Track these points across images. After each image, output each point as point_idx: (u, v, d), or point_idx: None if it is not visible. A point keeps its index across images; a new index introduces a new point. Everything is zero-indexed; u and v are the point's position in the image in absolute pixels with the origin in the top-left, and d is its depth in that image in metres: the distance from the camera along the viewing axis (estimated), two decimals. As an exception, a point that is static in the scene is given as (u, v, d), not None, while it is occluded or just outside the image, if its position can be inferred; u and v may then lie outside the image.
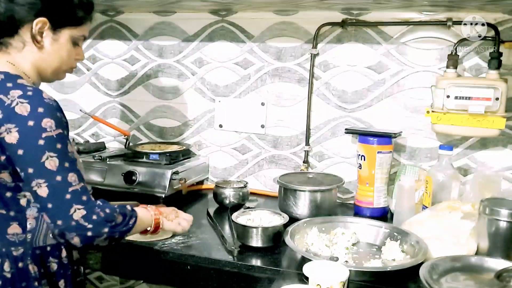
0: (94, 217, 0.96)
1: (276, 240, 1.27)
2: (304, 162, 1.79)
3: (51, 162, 0.94)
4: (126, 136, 1.94)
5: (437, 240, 1.20)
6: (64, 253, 1.09)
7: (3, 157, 0.95)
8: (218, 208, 1.63)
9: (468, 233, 1.19)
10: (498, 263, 1.07)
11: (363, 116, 1.71)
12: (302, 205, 1.49)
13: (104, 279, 2.01)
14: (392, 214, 1.51)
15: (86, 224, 0.95)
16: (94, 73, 2.10)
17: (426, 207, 1.41)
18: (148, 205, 1.20)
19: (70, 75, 2.12)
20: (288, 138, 1.83)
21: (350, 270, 0.99)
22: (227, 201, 1.61)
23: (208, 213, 1.56)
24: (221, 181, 1.69)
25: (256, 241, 1.26)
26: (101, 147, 1.96)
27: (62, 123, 0.99)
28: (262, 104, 1.84)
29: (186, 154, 1.86)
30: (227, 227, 1.43)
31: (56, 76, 1.13)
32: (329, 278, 0.94)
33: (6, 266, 1.00)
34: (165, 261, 1.27)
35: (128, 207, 1.07)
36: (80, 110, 2.02)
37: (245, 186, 1.65)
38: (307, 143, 1.79)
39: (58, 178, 0.94)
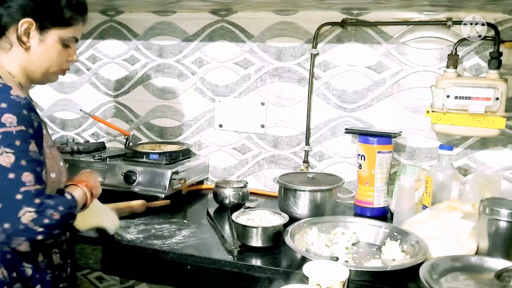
0: (46, 220, 0.92)
1: (276, 240, 1.27)
2: (304, 162, 1.79)
3: (5, 158, 0.91)
4: (126, 136, 1.94)
5: (437, 240, 1.20)
6: (40, 258, 1.05)
7: None
8: (218, 208, 1.63)
9: (468, 233, 1.19)
10: (498, 263, 1.07)
11: (363, 116, 1.71)
12: (302, 205, 1.49)
13: (104, 279, 2.01)
14: (392, 214, 1.50)
15: (36, 228, 0.91)
16: (94, 73, 2.10)
17: (426, 207, 1.41)
18: (79, 180, 1.14)
19: (70, 75, 2.13)
20: (288, 138, 1.83)
21: (350, 270, 0.99)
22: (227, 201, 1.61)
23: (208, 213, 1.56)
24: (221, 181, 1.69)
25: (256, 241, 1.26)
26: (101, 147, 1.96)
27: (28, 121, 0.96)
28: (262, 104, 1.84)
29: (186, 154, 1.86)
30: (227, 227, 1.43)
31: (46, 78, 1.12)
32: (329, 278, 0.94)
33: None
34: (165, 261, 1.27)
35: (68, 196, 1.04)
36: (80, 110, 2.02)
37: (245, 186, 1.65)
38: (307, 143, 1.79)
39: (11, 175, 0.91)
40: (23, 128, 0.94)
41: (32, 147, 0.95)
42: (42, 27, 1.04)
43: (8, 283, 0.99)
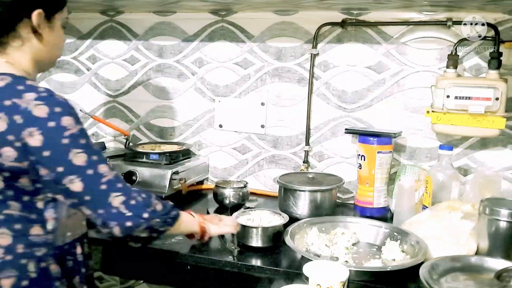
0: (133, 202, 0.97)
1: (276, 240, 1.27)
2: (304, 162, 1.79)
3: (79, 158, 0.94)
4: (126, 136, 1.94)
5: (437, 240, 1.20)
6: (79, 250, 1.09)
7: (26, 163, 0.94)
8: (218, 208, 1.63)
9: (468, 233, 1.19)
10: (498, 263, 1.07)
11: (363, 116, 1.72)
12: (302, 205, 1.49)
13: (104, 279, 2.01)
14: (392, 214, 1.51)
15: (126, 211, 0.96)
16: (94, 73, 2.10)
17: (426, 207, 1.41)
18: (192, 212, 1.21)
19: (70, 75, 2.13)
20: (288, 138, 1.83)
21: (350, 270, 0.99)
22: (227, 201, 1.61)
23: (208, 213, 1.56)
24: (221, 181, 1.69)
25: (256, 241, 1.26)
26: (101, 147, 1.96)
27: (79, 118, 0.99)
28: (262, 104, 1.84)
29: (186, 154, 1.86)
30: (227, 227, 1.43)
31: (52, 64, 1.13)
32: (329, 278, 0.94)
33: (31, 267, 0.99)
34: (165, 261, 1.27)
35: (170, 202, 1.08)
36: (80, 110, 2.01)
37: (245, 186, 1.65)
38: (307, 143, 1.79)
39: (90, 171, 0.95)
40: (80, 126, 0.97)
41: (91, 141, 0.99)
42: (49, 15, 1.04)
43: (59, 278, 1.03)
